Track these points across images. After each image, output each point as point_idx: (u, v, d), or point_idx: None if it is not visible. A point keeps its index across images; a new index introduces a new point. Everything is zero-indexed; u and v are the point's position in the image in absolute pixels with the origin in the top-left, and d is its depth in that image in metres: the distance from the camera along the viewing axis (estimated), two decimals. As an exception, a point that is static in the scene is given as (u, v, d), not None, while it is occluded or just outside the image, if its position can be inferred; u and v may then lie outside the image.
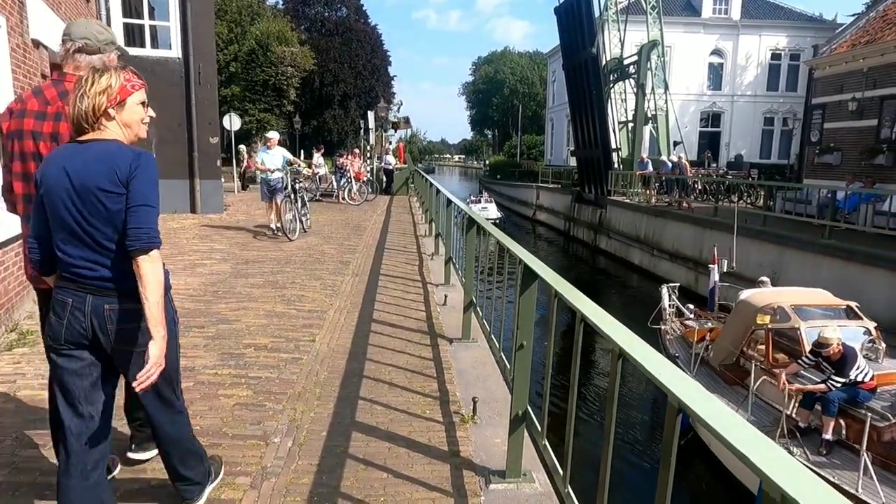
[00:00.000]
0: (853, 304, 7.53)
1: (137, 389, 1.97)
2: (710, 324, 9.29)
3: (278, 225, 10.42)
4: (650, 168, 21.38)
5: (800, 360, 6.65)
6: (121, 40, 11.81)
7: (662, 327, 9.63)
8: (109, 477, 2.54)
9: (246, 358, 4.49)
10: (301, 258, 8.70)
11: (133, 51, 12.09)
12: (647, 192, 19.83)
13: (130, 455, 2.85)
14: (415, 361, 4.54)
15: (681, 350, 8.92)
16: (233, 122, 20.48)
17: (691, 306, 10.20)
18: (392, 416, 3.58)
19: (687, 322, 9.72)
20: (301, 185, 11.01)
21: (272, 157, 10.56)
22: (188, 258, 8.29)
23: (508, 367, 3.66)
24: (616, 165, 23.77)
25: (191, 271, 7.48)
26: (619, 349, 1.68)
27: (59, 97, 2.46)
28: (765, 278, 9.36)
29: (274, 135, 11.19)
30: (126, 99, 2.12)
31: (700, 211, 16.39)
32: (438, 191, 9.29)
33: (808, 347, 6.65)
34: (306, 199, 11.40)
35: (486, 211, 27.52)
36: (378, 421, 3.51)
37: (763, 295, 7.92)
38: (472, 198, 32.38)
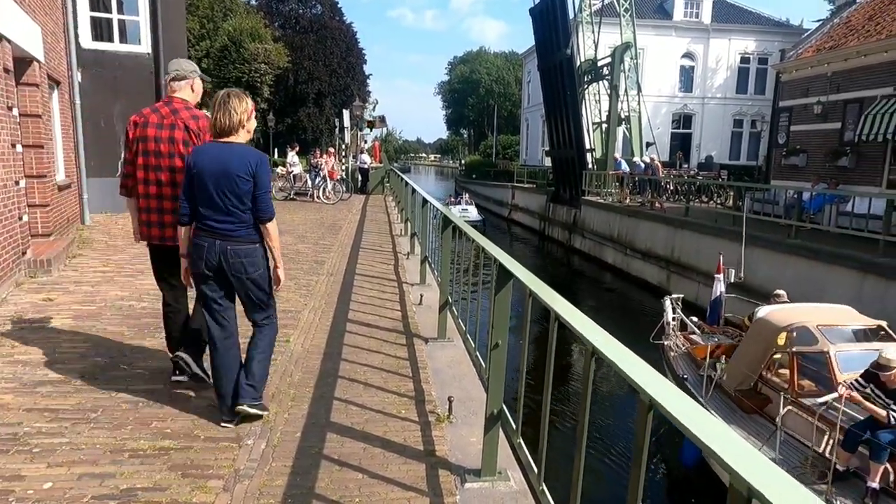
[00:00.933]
0: (883, 323, 6.73)
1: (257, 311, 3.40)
2: (716, 338, 8.56)
3: None
4: (624, 168, 21.67)
5: (852, 382, 5.58)
6: (87, 34, 11.55)
7: (665, 343, 8.78)
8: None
9: (218, 359, 4.42)
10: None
11: (101, 45, 11.82)
12: (622, 192, 20.08)
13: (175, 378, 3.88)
14: (390, 361, 4.53)
15: (688, 370, 8.05)
16: (205, 119, 20.13)
17: (695, 319, 9.35)
18: (367, 417, 3.56)
19: (691, 337, 8.89)
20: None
21: None
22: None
23: (484, 366, 3.68)
24: (590, 166, 24.04)
25: (161, 271, 7.33)
26: (592, 347, 1.70)
27: (171, 113, 3.61)
28: (780, 291, 8.48)
29: None
30: (252, 114, 3.27)
31: (672, 211, 16.67)
32: (414, 190, 9.28)
33: (839, 374, 5.87)
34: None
35: (467, 213, 26.00)
36: (353, 421, 3.50)
37: (784, 313, 7.01)
38: (452, 199, 30.73)
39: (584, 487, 1.92)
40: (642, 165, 21.26)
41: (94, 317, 5.34)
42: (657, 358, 8.65)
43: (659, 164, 21.16)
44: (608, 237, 19.82)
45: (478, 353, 4.11)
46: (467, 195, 32.73)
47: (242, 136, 3.23)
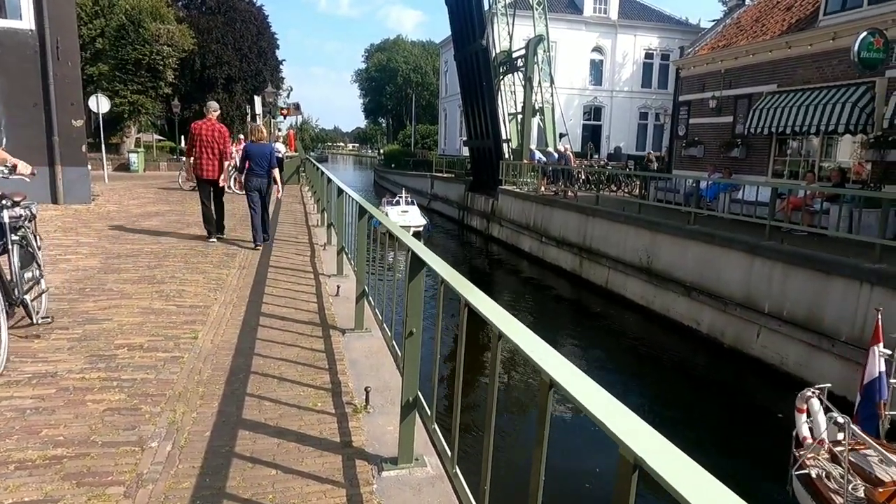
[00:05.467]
0: None
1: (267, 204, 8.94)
2: None
3: None
4: (538, 158, 22.28)
5: None
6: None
7: (812, 472, 5.17)
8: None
9: (118, 359, 4.16)
10: (182, 251, 8.18)
11: (-26, 19, 10.67)
12: (540, 181, 20.66)
13: (218, 236, 9.11)
14: (306, 354, 4.44)
15: None
16: (100, 103, 18.74)
17: (839, 419, 5.04)
18: (282, 412, 3.48)
19: (851, 459, 5.00)
20: (15, 211, 4.48)
21: None
22: (49, 253, 7.48)
23: (400, 354, 3.69)
24: (507, 156, 24.53)
25: (52, 267, 6.76)
26: (498, 331, 1.74)
27: (212, 124, 8.77)
28: None
29: None
30: (264, 132, 9.58)
31: (583, 200, 17.35)
32: (330, 180, 9.09)
33: None
34: (35, 245, 4.86)
35: (407, 216, 21.38)
36: (266, 417, 3.40)
37: None
38: (389, 198, 24.62)
39: (494, 468, 1.98)
40: (556, 156, 21.97)
41: (-27, 319, 4.84)
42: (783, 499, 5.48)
43: (571, 155, 21.95)
44: (524, 225, 20.35)
45: (394, 343, 4.12)
46: (407, 194, 24.80)
47: (265, 140, 9.03)
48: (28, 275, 4.58)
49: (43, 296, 4.93)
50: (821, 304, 8.86)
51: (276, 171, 8.82)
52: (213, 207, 8.96)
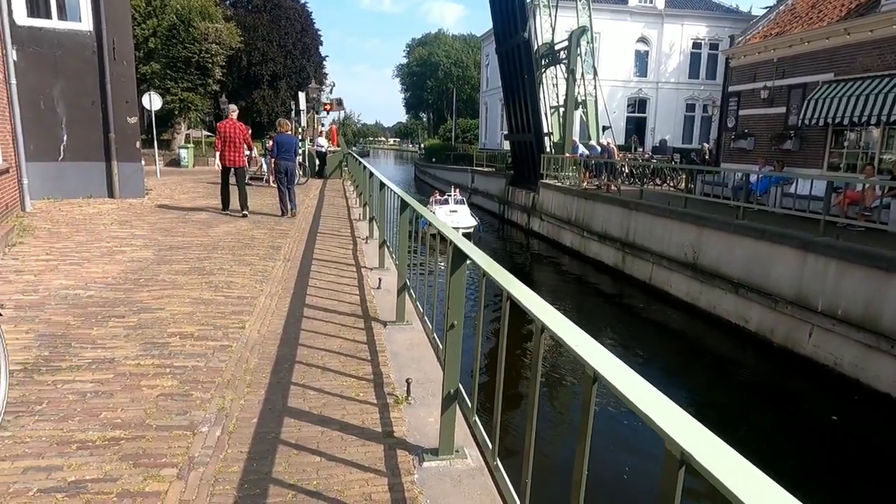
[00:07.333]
0: None
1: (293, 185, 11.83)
2: None
3: None
4: (581, 151, 21.94)
5: None
6: (22, 10, 10.95)
7: None
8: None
9: (171, 347, 4.33)
10: (230, 243, 8.42)
11: (37, 22, 11.20)
12: (582, 175, 20.34)
13: (245, 213, 11.03)
14: (349, 345, 4.52)
15: None
16: (153, 101, 19.42)
17: None
18: (325, 401, 3.56)
19: None
20: None
21: None
22: (106, 245, 7.85)
23: (441, 347, 3.71)
24: (548, 149, 24.26)
25: (109, 258, 7.09)
26: (541, 324, 1.74)
27: (234, 122, 11.02)
28: None
29: None
30: (289, 126, 13.12)
31: (627, 194, 17.01)
32: (372, 174, 9.20)
33: None
34: None
35: (456, 216, 20.02)
36: (311, 406, 3.49)
37: None
38: (438, 196, 22.68)
39: (536, 461, 1.98)
40: (598, 149, 21.59)
41: (37, 307, 5.14)
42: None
43: (615, 148, 21.50)
44: (566, 220, 20.10)
45: (435, 335, 4.14)
46: (456, 190, 23.31)
47: (290, 132, 12.33)
48: None
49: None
50: (879, 303, 8.46)
51: (298, 158, 12.16)
52: (238, 188, 11.13)
